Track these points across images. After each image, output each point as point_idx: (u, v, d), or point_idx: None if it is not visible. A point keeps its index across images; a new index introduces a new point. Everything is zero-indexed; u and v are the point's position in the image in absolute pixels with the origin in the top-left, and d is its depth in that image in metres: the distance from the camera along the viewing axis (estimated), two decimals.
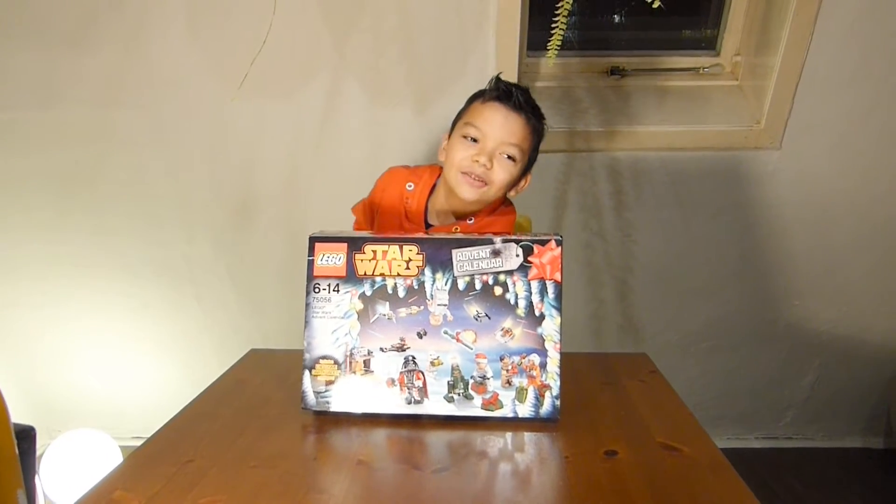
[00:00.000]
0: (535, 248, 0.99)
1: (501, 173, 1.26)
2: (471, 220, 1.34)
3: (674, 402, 1.08)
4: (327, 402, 1.02)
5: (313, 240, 1.03)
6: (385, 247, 1.01)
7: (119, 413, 2.36)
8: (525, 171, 1.32)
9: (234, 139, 2.03)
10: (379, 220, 1.40)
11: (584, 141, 2.01)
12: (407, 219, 1.37)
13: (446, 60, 1.91)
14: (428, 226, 1.36)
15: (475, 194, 1.28)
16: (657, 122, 2.01)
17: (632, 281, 2.17)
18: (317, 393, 1.02)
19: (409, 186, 1.38)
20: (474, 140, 1.26)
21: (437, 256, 1.00)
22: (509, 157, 1.26)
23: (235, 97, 1.94)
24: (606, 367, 1.22)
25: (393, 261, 1.01)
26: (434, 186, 1.38)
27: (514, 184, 1.32)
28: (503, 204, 1.38)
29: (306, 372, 1.02)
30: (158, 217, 2.12)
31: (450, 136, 1.33)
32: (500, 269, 0.99)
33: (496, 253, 0.99)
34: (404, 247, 1.01)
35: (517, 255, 0.99)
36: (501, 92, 1.26)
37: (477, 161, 1.25)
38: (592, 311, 2.21)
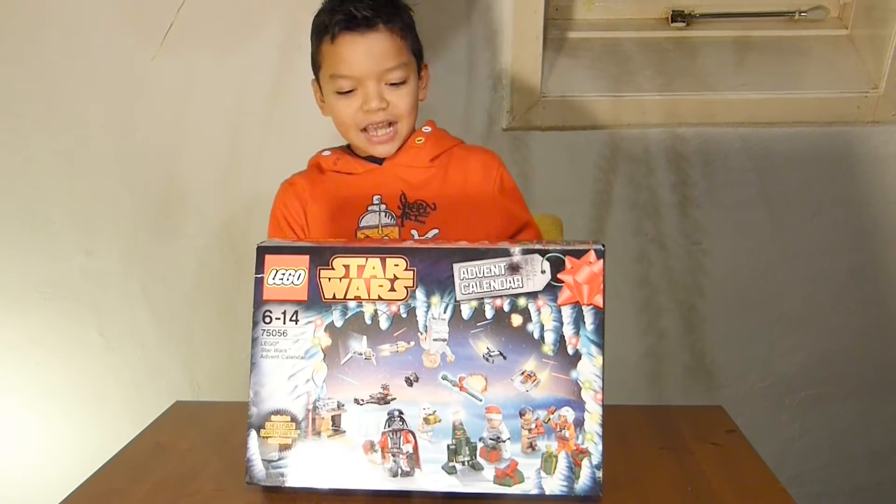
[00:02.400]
0: (568, 260, 1.00)
1: (402, 102, 1.42)
2: (420, 139, 1.49)
3: (761, 474, 1.08)
4: (281, 475, 1.02)
5: (263, 250, 1.04)
6: (361, 260, 1.02)
7: None
8: (418, 69, 1.47)
9: (153, 111, 2.03)
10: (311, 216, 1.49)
11: (636, 113, 2.02)
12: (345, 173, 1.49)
13: (443, 1, 1.93)
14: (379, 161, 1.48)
15: (393, 146, 1.45)
16: (736, 88, 2.02)
17: (702, 306, 2.18)
18: (267, 462, 1.02)
19: (326, 153, 1.52)
20: (350, 91, 1.40)
21: (434, 273, 1.01)
22: (396, 84, 1.41)
23: (157, 54, 1.95)
24: (668, 424, 1.23)
25: (372, 279, 1.02)
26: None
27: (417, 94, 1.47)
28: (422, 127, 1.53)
29: (252, 433, 1.02)
30: (45, 217, 2.12)
31: (319, 86, 1.48)
32: (519, 291, 1.00)
33: (514, 268, 1.00)
34: (388, 260, 1.02)
35: (543, 272, 1.00)
36: (342, 21, 1.37)
37: (370, 110, 1.39)
38: (648, 348, 2.21)
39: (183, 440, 1.20)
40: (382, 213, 1.44)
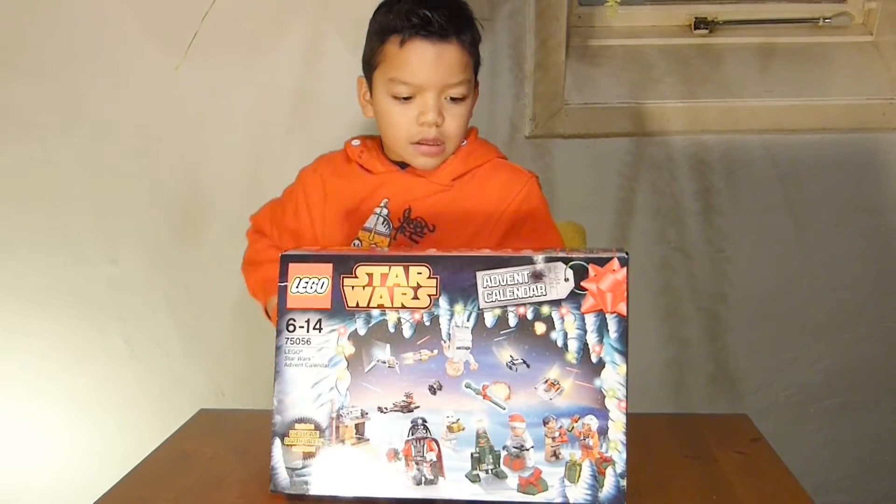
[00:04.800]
0: (592, 269, 1.00)
1: (454, 123, 1.37)
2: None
3: (786, 483, 1.08)
4: (305, 483, 1.02)
5: (286, 259, 1.04)
6: (385, 268, 1.02)
7: (15, 499, 2.37)
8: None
9: (176, 120, 2.05)
10: (328, 208, 1.47)
11: (659, 120, 2.02)
12: (366, 170, 1.46)
13: None
14: (403, 165, 1.44)
15: (436, 161, 1.41)
16: (760, 94, 2.01)
17: (726, 314, 2.17)
18: (291, 470, 1.02)
19: (355, 143, 1.48)
20: (408, 97, 1.35)
21: (457, 281, 1.01)
22: (457, 100, 1.37)
23: (181, 64, 1.97)
24: (692, 433, 1.23)
25: (395, 287, 1.02)
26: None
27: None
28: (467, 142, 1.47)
29: (277, 441, 1.03)
30: (70, 227, 2.14)
31: (371, 87, 1.42)
32: (543, 299, 1.00)
33: (537, 276, 1.00)
34: (411, 268, 1.02)
35: (566, 280, 1.00)
36: (418, 23, 1.32)
37: (425, 122, 1.35)
38: (672, 357, 2.20)
39: (207, 448, 1.20)
40: (382, 220, 1.40)
